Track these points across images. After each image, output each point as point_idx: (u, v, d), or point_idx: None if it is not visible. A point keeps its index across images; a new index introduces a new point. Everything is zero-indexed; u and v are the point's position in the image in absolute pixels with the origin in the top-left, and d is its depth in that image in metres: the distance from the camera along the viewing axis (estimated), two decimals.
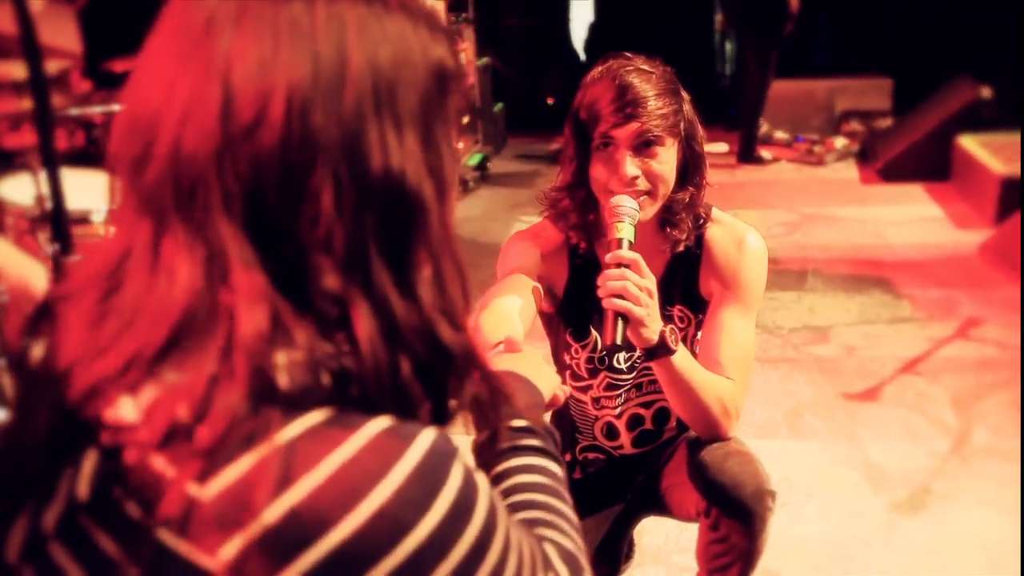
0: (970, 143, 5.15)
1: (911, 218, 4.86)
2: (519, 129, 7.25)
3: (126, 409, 0.50)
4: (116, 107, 2.71)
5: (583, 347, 1.58)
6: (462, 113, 0.76)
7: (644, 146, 1.37)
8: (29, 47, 1.61)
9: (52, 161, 2.38)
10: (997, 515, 2.22)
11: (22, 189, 2.64)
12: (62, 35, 3.89)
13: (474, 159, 5.95)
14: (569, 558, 0.67)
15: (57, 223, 1.97)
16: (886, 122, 6.50)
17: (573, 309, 1.57)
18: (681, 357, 1.39)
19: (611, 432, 1.65)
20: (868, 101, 6.72)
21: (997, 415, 2.71)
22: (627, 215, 1.36)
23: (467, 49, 5.77)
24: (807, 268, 4.10)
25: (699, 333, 1.56)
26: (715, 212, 1.53)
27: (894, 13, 6.98)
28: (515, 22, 7.85)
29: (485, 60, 6.39)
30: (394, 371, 0.54)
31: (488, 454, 0.77)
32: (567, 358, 1.61)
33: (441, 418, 0.59)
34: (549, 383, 0.98)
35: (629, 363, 1.58)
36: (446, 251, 0.59)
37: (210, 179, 0.51)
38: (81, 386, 0.51)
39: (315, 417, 0.51)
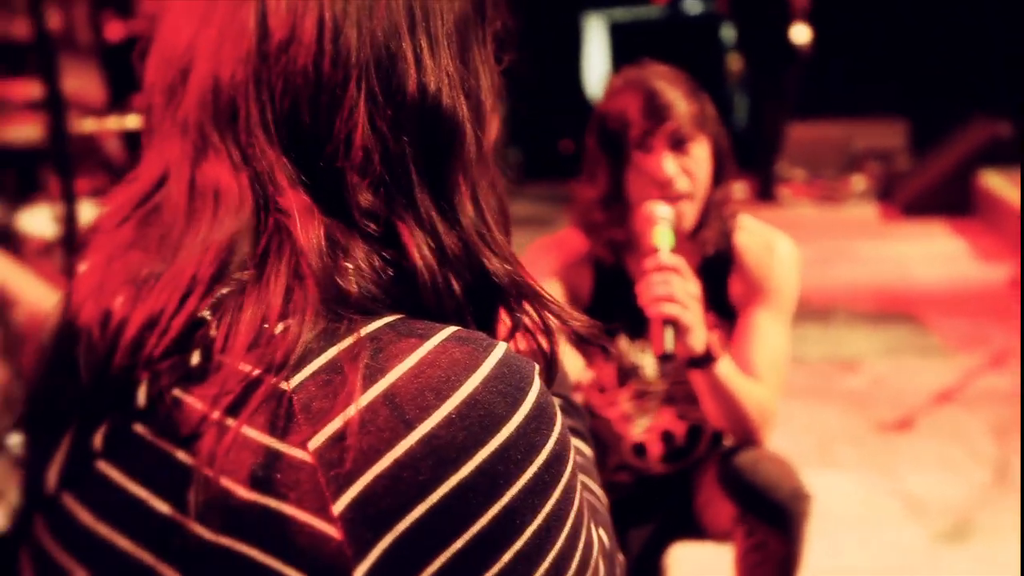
0: (992, 178, 5.11)
1: (935, 253, 4.80)
2: (534, 175, 7.31)
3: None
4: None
5: (610, 360, 1.54)
6: (502, 44, 0.88)
7: (678, 144, 1.39)
8: (46, 66, 1.60)
9: (71, 190, 2.37)
10: None
11: (40, 219, 2.65)
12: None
13: None
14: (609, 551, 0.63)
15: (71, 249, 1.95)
16: (903, 161, 6.48)
17: (600, 320, 1.52)
18: (725, 365, 1.35)
19: (640, 451, 1.59)
20: (884, 141, 6.72)
21: None
22: (665, 220, 1.35)
23: None
24: (832, 303, 4.03)
25: (728, 342, 1.52)
26: (744, 219, 1.52)
27: (908, 54, 7.01)
28: (530, 70, 7.93)
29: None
30: (449, 288, 0.53)
31: None
32: (594, 371, 1.56)
33: None
34: (574, 364, 0.95)
35: (660, 372, 1.53)
36: (483, 178, 0.58)
37: (250, 100, 0.52)
38: (138, 319, 0.48)
39: (391, 317, 0.50)
